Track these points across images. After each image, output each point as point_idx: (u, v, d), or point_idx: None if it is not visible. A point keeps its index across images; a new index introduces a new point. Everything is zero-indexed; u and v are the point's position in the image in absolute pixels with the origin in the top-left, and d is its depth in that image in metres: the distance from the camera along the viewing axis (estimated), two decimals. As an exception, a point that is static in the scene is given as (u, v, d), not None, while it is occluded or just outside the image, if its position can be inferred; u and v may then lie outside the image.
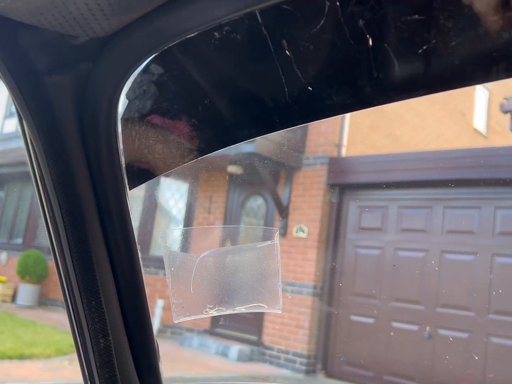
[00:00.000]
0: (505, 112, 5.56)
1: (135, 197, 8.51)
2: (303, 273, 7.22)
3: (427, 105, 9.28)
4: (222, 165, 7.76)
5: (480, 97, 10.94)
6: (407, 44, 0.54)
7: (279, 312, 0.85)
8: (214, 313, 0.86)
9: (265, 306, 0.85)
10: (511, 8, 0.46)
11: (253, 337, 7.39)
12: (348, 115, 7.77)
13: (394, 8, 0.52)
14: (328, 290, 7.13)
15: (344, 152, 7.80)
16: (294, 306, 7.10)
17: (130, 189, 0.74)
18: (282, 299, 0.85)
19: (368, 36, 0.54)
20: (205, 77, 0.68)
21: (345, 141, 7.81)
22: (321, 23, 0.56)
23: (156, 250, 8.23)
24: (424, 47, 0.53)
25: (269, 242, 0.78)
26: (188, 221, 8.57)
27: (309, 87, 0.61)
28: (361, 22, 0.54)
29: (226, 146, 0.70)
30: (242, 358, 7.00)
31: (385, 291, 6.63)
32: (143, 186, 0.79)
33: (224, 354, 7.12)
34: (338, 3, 0.53)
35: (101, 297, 0.74)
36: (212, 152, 0.72)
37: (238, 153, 7.42)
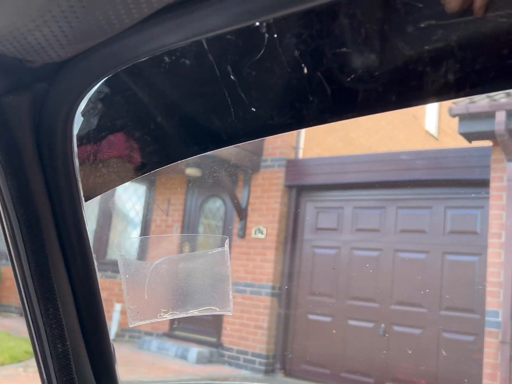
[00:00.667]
0: (454, 116, 5.79)
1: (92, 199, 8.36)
2: (261, 274, 7.29)
3: (381, 108, 9.50)
4: (180, 168, 7.74)
5: (431, 100, 11.27)
6: (337, 73, 0.60)
7: (230, 313, 0.90)
8: (168, 316, 0.91)
9: (217, 308, 0.90)
10: None
11: (212, 339, 7.41)
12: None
13: (325, 42, 0.59)
14: (287, 290, 7.23)
15: (301, 155, 7.92)
16: (253, 307, 7.17)
17: (86, 201, 0.78)
18: (233, 301, 0.91)
19: (303, 65, 0.61)
20: (157, 98, 0.73)
21: (302, 144, 7.94)
22: (261, 52, 0.62)
23: (113, 254, 8.13)
24: (352, 76, 0.59)
25: (219, 249, 0.83)
26: (146, 224, 8.52)
27: (252, 108, 0.67)
28: (296, 53, 0.60)
29: (178, 160, 0.75)
30: (201, 360, 7.01)
31: (341, 290, 6.77)
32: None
33: (183, 356, 7.12)
34: (275, 35, 0.59)
35: (58, 304, 0.78)
36: (164, 166, 0.77)
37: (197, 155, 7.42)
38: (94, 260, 0.81)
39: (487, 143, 5.77)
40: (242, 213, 7.68)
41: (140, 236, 8.54)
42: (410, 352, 6.23)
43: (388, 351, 6.32)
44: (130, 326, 0.88)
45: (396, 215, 6.68)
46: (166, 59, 0.66)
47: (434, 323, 6.10)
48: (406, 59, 0.56)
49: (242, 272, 7.44)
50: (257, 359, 6.92)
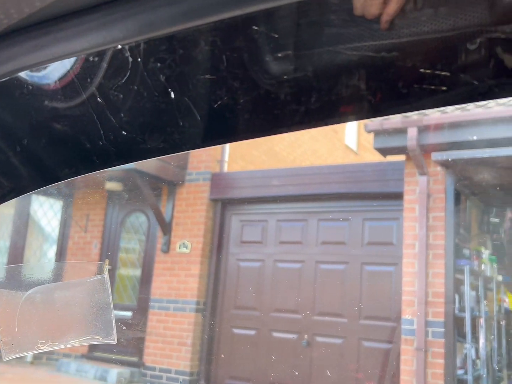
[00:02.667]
0: (369, 131, 6.03)
1: (5, 215, 7.94)
2: (186, 289, 7.19)
3: (303, 123, 9.75)
4: (100, 182, 7.52)
5: (351, 116, 11.71)
6: (204, 99, 0.60)
7: (114, 342, 0.87)
8: (47, 348, 0.86)
9: (100, 338, 0.86)
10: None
11: (134, 359, 7.20)
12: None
13: (189, 68, 0.58)
14: (211, 305, 7.17)
15: (226, 168, 7.94)
16: (176, 324, 7.05)
17: None
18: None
19: (170, 89, 0.60)
20: (22, 119, 0.69)
21: (226, 157, 7.96)
22: (127, 75, 0.60)
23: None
24: (219, 103, 0.59)
25: (98, 276, 0.80)
26: (63, 240, 8.17)
27: (123, 132, 0.65)
28: (162, 77, 0.59)
29: (48, 185, 0.72)
30: (121, 381, 6.79)
31: (265, 303, 6.82)
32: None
33: (103, 378, 6.86)
34: (139, 59, 0.58)
35: None
36: (34, 190, 0.73)
37: (117, 169, 7.25)
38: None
39: (401, 157, 6.05)
40: (166, 227, 7.56)
41: (56, 254, 8.18)
42: (332, 361, 6.36)
43: (311, 362, 6.41)
44: (4, 360, 0.82)
45: (318, 228, 6.84)
46: (27, 79, 0.63)
47: (354, 333, 6.26)
48: (267, 88, 0.56)
49: (165, 288, 7.31)
50: (181, 377, 6.80)
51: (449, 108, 5.72)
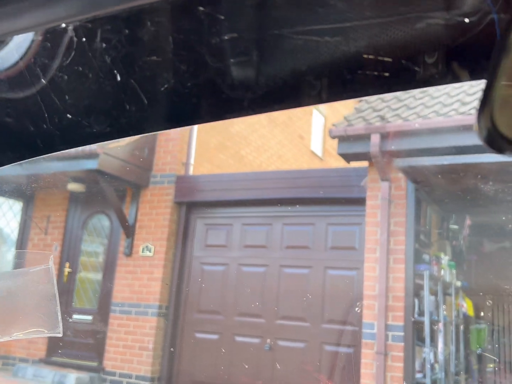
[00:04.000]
0: (333, 137, 6.09)
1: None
2: (148, 293, 7.10)
3: (270, 128, 9.84)
4: (62, 183, 7.36)
5: (317, 122, 11.88)
6: (150, 82, 0.59)
7: (60, 335, 0.84)
8: (-12, 341, 0.83)
9: (45, 330, 0.84)
10: None
11: (93, 363, 7.05)
12: (195, 134, 7.91)
13: (134, 49, 0.57)
14: (174, 309, 7.10)
15: (191, 171, 7.89)
16: (138, 328, 6.94)
17: None
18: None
19: (115, 71, 0.58)
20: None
21: (192, 160, 7.91)
22: (72, 56, 0.58)
23: (-16, 274, 7.49)
24: (166, 86, 0.58)
25: (43, 266, 0.77)
26: (22, 242, 7.96)
27: (68, 115, 0.64)
28: (108, 59, 0.58)
29: (-9, 170, 0.69)
30: (80, 386, 6.65)
31: (229, 307, 6.79)
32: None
33: (61, 383, 6.69)
34: (84, 39, 0.57)
35: None
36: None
37: (80, 170, 7.11)
38: None
39: (364, 163, 6.14)
40: (129, 230, 7.44)
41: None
42: (294, 365, 6.37)
43: (273, 366, 6.41)
44: None
45: (282, 232, 6.86)
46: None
47: (317, 336, 6.29)
48: (214, 72, 0.56)
49: (127, 292, 7.19)
50: (141, 382, 6.69)
51: (411, 116, 5.84)
